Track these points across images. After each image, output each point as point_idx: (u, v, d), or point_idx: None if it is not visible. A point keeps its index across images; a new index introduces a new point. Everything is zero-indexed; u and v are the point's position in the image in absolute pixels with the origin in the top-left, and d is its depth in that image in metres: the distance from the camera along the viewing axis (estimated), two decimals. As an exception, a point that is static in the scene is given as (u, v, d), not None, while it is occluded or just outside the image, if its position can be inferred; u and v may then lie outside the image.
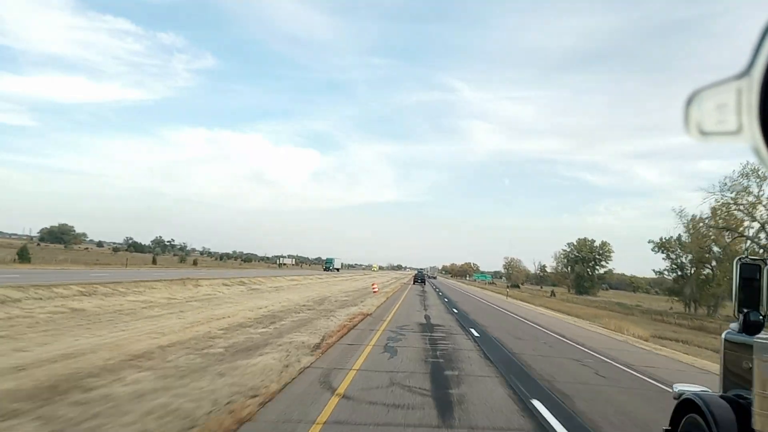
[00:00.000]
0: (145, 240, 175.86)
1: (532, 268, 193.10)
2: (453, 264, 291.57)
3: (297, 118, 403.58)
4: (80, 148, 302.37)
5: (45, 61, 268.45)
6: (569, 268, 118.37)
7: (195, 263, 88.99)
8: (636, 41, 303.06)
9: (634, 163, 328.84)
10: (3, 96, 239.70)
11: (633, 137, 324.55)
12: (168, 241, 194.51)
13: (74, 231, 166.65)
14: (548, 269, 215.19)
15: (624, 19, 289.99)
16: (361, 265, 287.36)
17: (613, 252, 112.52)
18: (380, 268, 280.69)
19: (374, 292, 37.18)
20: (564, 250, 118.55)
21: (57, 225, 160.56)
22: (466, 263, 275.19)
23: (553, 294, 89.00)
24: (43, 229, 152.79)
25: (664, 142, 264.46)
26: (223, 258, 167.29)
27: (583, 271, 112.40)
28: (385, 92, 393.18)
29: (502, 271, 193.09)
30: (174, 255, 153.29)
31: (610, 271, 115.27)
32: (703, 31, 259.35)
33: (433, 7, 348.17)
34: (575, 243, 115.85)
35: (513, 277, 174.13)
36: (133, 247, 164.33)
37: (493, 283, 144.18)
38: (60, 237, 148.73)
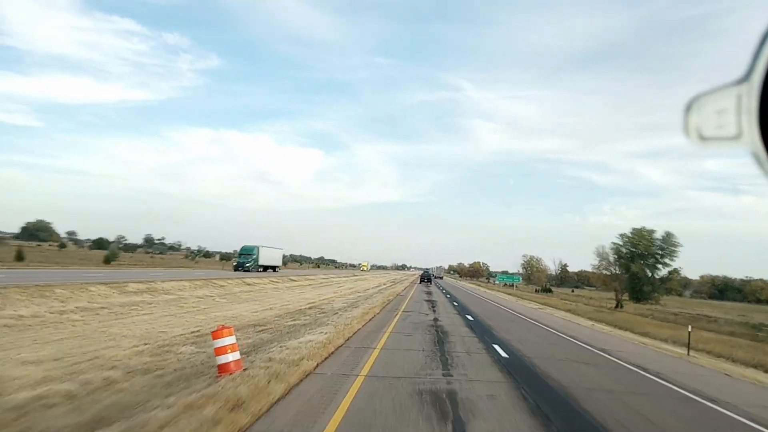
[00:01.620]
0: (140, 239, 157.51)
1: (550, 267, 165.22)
2: (460, 263, 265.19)
3: (301, 117, 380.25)
4: (84, 148, 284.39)
5: (50, 62, 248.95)
6: (621, 268, 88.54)
7: (107, 261, 61.07)
8: (640, 40, 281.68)
9: (638, 162, 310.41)
10: (8, 96, 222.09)
11: (637, 137, 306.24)
12: (158, 239, 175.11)
13: (52, 227, 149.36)
14: (569, 268, 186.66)
15: (628, 19, 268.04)
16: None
17: (680, 246, 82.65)
18: (374, 267, 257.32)
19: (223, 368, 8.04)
20: (614, 244, 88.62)
21: (34, 221, 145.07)
22: (475, 262, 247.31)
23: (619, 305, 59.97)
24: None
25: (668, 141, 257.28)
26: (195, 256, 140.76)
27: (640, 271, 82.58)
28: (389, 92, 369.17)
29: (520, 270, 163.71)
30: (138, 252, 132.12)
31: (676, 271, 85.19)
32: (706, 30, 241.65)
33: (437, 7, 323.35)
34: (629, 235, 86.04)
35: (535, 279, 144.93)
36: (96, 244, 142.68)
37: (513, 286, 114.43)
38: (35, 234, 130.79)
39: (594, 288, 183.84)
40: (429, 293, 40.80)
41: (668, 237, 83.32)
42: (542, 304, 50.07)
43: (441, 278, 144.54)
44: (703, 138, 0.91)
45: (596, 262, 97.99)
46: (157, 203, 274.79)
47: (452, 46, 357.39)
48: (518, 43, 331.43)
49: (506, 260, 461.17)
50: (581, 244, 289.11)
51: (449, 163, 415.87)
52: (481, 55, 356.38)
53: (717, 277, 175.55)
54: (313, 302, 26.84)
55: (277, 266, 66.63)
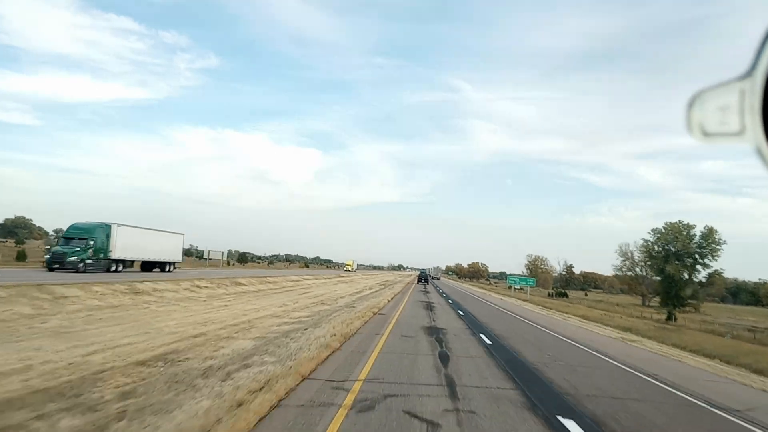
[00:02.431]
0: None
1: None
2: (458, 264, 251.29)
3: (300, 117, 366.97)
4: (83, 146, 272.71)
5: (48, 60, 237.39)
6: (652, 269, 74.06)
7: (19, 258, 47.00)
8: (640, 42, 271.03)
9: (637, 163, 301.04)
10: (6, 95, 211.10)
11: (636, 138, 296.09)
12: None
13: (32, 224, 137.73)
14: (575, 270, 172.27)
15: (628, 20, 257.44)
16: (363, 265, 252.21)
17: (724, 243, 68.36)
18: (371, 267, 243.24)
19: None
20: (645, 241, 74.21)
21: (13, 218, 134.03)
22: (474, 263, 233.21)
23: (671, 317, 45.71)
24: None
25: (667, 142, 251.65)
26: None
27: (677, 273, 68.19)
28: (388, 92, 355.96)
29: (524, 271, 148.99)
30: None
31: (718, 273, 70.85)
32: (707, 32, 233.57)
33: (436, 7, 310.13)
34: (663, 230, 71.70)
35: (541, 280, 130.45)
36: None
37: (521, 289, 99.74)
38: (14, 231, 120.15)
39: (601, 290, 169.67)
40: (429, 307, 26.22)
41: (709, 233, 68.88)
42: (582, 318, 35.74)
43: (438, 278, 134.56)
44: (706, 134, 0.89)
45: (618, 262, 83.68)
46: (155, 202, 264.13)
47: (451, 46, 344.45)
48: (517, 43, 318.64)
49: (505, 260, 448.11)
50: (581, 245, 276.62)
51: (448, 163, 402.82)
52: (480, 55, 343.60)
53: (728, 279, 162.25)
54: (193, 337, 12.57)
55: (172, 262, 40.38)
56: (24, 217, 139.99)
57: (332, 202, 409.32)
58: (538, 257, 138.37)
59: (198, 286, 27.64)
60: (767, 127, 0.81)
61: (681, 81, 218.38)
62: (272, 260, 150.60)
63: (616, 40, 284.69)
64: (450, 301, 32.90)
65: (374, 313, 19.58)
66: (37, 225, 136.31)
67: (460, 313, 23.65)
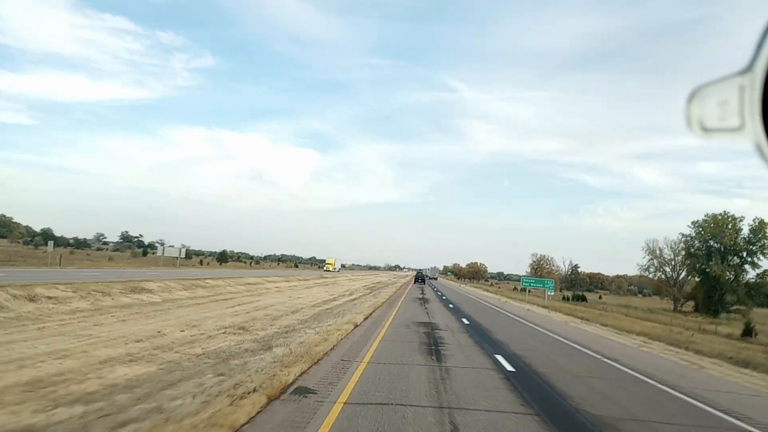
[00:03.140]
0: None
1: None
2: (456, 264, 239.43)
3: (297, 117, 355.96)
4: (79, 146, 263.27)
5: (44, 59, 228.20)
6: (690, 268, 62.06)
7: None
8: (637, 42, 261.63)
9: (633, 164, 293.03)
10: (2, 94, 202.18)
11: (633, 138, 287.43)
12: (135, 237, 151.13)
13: (13, 222, 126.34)
14: (580, 269, 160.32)
15: (625, 20, 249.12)
16: (359, 265, 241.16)
17: (778, 237, 56.43)
18: (368, 267, 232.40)
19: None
20: (684, 236, 62.15)
21: None
22: (473, 263, 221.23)
23: (751, 333, 34.13)
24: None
25: (664, 143, 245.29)
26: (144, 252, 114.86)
27: (722, 273, 56.27)
28: (386, 92, 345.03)
29: (528, 271, 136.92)
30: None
31: (770, 273, 58.82)
32: (705, 32, 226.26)
33: (435, 8, 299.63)
34: (704, 223, 59.78)
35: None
36: (44, 238, 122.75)
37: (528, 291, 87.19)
38: None
39: (608, 291, 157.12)
40: (433, 347, 14.08)
41: (761, 227, 57.17)
42: (653, 340, 23.83)
43: (435, 279, 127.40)
44: (705, 129, 0.86)
45: (644, 261, 71.67)
46: (152, 202, 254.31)
47: (450, 46, 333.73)
48: (516, 44, 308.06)
49: (503, 261, 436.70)
50: (580, 245, 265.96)
51: (447, 163, 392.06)
52: (479, 55, 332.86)
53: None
54: None
55: None
56: (4, 216, 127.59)
57: (330, 203, 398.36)
58: (544, 257, 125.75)
59: (29, 298, 15.61)
60: (767, 122, 0.77)
61: (680, 81, 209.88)
62: (259, 260, 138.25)
63: (615, 40, 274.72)
64: (465, 321, 20.77)
65: (297, 376, 7.58)
66: (24, 224, 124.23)
67: (505, 366, 11.11)
